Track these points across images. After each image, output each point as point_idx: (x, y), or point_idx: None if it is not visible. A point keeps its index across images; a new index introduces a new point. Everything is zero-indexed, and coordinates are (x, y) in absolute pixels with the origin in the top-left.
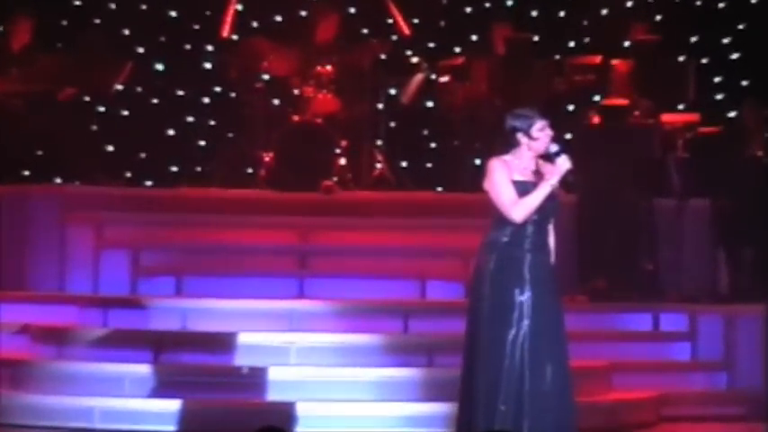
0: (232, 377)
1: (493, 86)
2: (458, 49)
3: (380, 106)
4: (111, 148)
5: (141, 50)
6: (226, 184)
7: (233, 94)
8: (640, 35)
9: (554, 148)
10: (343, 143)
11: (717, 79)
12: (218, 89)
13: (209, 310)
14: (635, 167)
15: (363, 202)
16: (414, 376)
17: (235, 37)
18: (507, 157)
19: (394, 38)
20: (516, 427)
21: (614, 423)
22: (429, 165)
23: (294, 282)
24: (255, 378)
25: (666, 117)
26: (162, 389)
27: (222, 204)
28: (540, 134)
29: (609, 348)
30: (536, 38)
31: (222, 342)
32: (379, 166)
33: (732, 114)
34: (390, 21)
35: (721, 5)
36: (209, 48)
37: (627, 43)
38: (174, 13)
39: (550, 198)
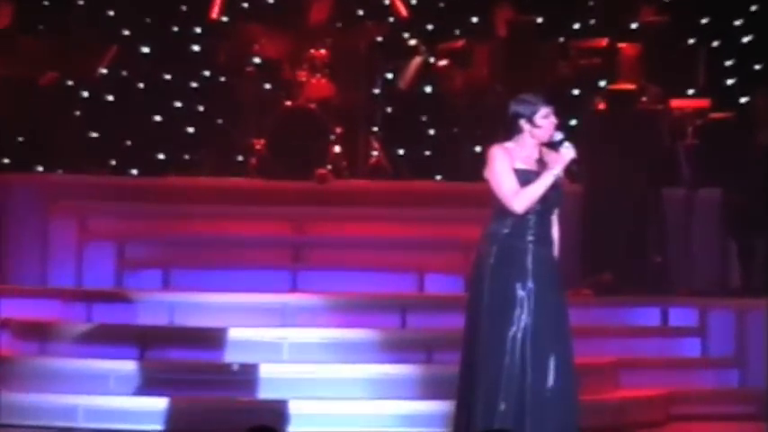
0: (222, 374)
1: (494, 71)
2: (458, 32)
3: (377, 91)
4: (95, 135)
5: (126, 33)
6: (215, 172)
7: (222, 79)
8: (649, 17)
9: (558, 136)
10: (338, 130)
11: (728, 63)
12: (207, 73)
13: (197, 305)
14: (643, 155)
15: (359, 192)
16: (411, 373)
17: (224, 18)
18: (509, 145)
19: (391, 20)
20: (518, 425)
21: (621, 422)
22: (427, 153)
23: (287, 275)
24: (246, 375)
25: (676, 103)
26: (148, 386)
27: (211, 194)
28: (544, 121)
29: (616, 344)
30: (539, 20)
31: (211, 338)
32: (375, 153)
33: (744, 100)
34: (387, 1)
35: None
36: (198, 30)
37: (634, 25)
38: None
39: (554, 188)
